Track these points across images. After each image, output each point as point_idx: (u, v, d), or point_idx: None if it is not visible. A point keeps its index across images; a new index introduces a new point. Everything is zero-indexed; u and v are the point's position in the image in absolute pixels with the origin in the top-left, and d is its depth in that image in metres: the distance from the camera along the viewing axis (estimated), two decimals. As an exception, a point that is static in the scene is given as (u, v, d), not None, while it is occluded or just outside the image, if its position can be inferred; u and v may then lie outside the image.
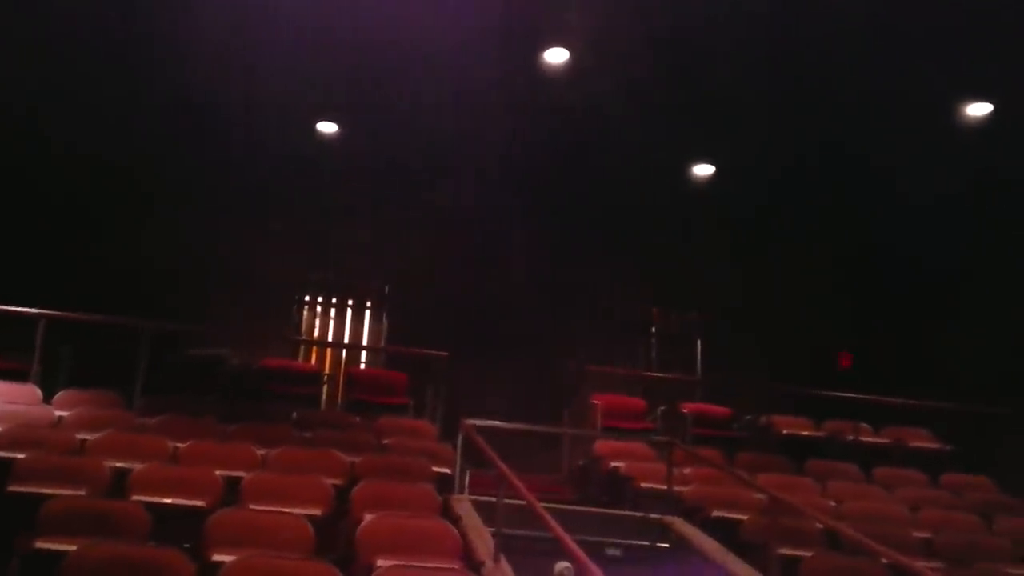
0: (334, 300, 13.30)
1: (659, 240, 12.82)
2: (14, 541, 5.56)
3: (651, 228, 12.71)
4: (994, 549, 8.12)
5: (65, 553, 5.18)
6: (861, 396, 11.16)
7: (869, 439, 10.86)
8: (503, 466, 6.60)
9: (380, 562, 5.55)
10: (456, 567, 5.84)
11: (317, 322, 13.24)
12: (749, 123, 10.32)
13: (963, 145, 10.21)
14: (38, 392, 8.75)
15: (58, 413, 8.28)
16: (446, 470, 8.13)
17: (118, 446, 7.41)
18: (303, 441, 8.42)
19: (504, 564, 6.25)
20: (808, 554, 7.03)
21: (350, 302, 13.30)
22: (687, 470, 9.19)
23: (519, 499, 6.22)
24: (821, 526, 7.56)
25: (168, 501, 6.39)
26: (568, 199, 12.35)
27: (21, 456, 6.78)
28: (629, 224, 12.67)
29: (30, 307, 9.47)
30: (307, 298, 13.20)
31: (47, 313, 9.45)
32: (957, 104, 9.77)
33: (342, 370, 12.38)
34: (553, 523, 5.43)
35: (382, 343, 12.97)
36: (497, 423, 8.67)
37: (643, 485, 8.72)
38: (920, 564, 6.44)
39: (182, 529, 5.96)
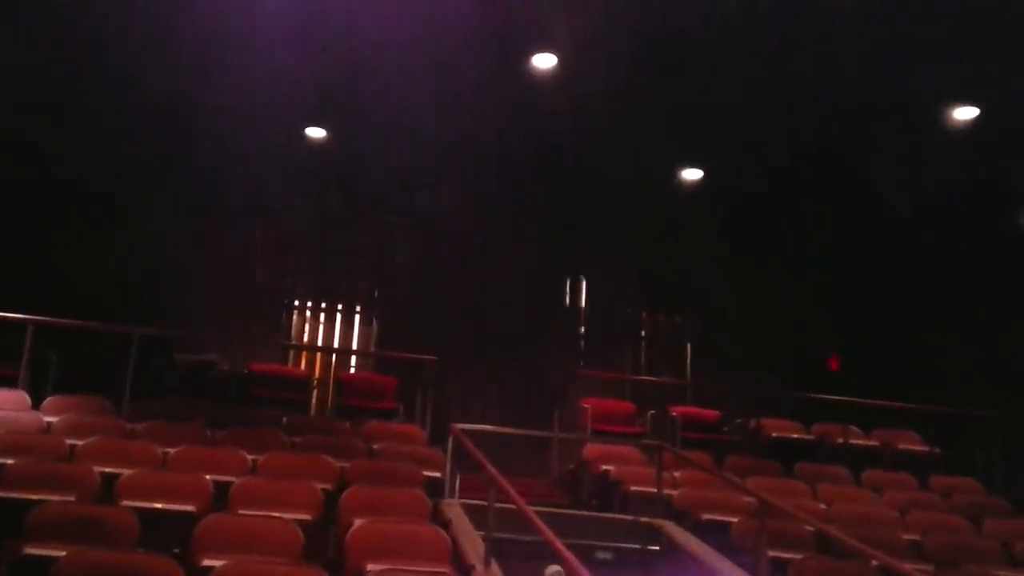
0: (323, 305, 13.28)
1: (649, 244, 12.86)
2: (2, 547, 5.54)
3: (641, 232, 12.75)
4: (982, 551, 8.15)
5: (54, 559, 5.16)
6: (850, 399, 11.20)
7: (858, 442, 10.90)
8: (493, 470, 6.59)
9: (370, 567, 5.55)
10: (446, 571, 5.84)
11: (307, 327, 13.23)
12: (739, 127, 10.33)
13: (952, 149, 10.24)
14: (27, 398, 8.71)
15: (47, 419, 8.25)
16: (436, 474, 8.11)
17: (107, 452, 7.38)
18: (292, 446, 8.40)
19: (495, 568, 6.25)
20: (798, 557, 7.05)
21: (339, 307, 13.29)
22: (677, 473, 9.20)
23: (509, 503, 6.22)
24: (811, 529, 7.59)
25: (157, 506, 6.36)
26: (557, 203, 12.37)
27: (10, 462, 6.76)
28: (619, 228, 12.70)
29: (18, 313, 9.44)
30: (296, 303, 13.19)
31: (35, 319, 9.42)
32: (946, 108, 9.80)
33: (332, 375, 12.38)
34: (543, 527, 5.42)
35: (371, 348, 12.95)
36: (486, 427, 8.68)
37: (633, 488, 8.72)
38: (909, 566, 6.46)
39: (171, 535, 5.95)
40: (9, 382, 9.04)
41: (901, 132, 10.07)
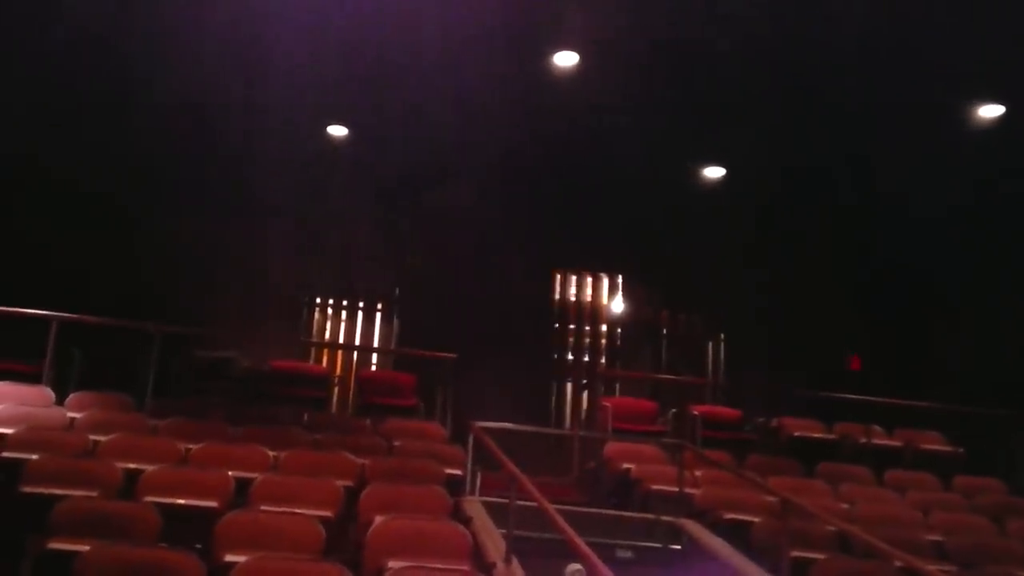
0: (344, 303, 13.30)
1: (669, 242, 12.82)
2: (27, 542, 5.58)
3: (661, 231, 12.71)
4: (1005, 552, 8.08)
5: (77, 554, 5.20)
6: (872, 398, 11.13)
7: (880, 442, 10.82)
8: (514, 468, 6.59)
9: (391, 564, 5.55)
10: (467, 569, 5.83)
11: (327, 324, 13.26)
12: (759, 126, 10.29)
13: (975, 148, 10.17)
14: (50, 394, 8.77)
15: (70, 415, 8.30)
16: (456, 472, 8.12)
17: (129, 448, 7.43)
18: (313, 443, 8.43)
19: (515, 566, 6.24)
20: (820, 557, 7.01)
21: (360, 304, 13.31)
22: (698, 472, 9.17)
23: (530, 501, 6.22)
24: (833, 529, 7.55)
25: (179, 502, 6.40)
26: (578, 202, 12.34)
27: (34, 457, 6.81)
28: (639, 227, 12.66)
29: (42, 310, 9.50)
30: (317, 300, 13.22)
31: (59, 315, 9.48)
32: (968, 106, 9.73)
33: (352, 372, 12.40)
34: (564, 525, 5.42)
35: (392, 345, 12.97)
36: (507, 425, 8.67)
37: (653, 487, 8.69)
38: (932, 567, 6.43)
39: (193, 530, 5.97)
40: (33, 378, 9.10)
41: (925, 131, 10.00)
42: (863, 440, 10.73)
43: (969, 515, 8.99)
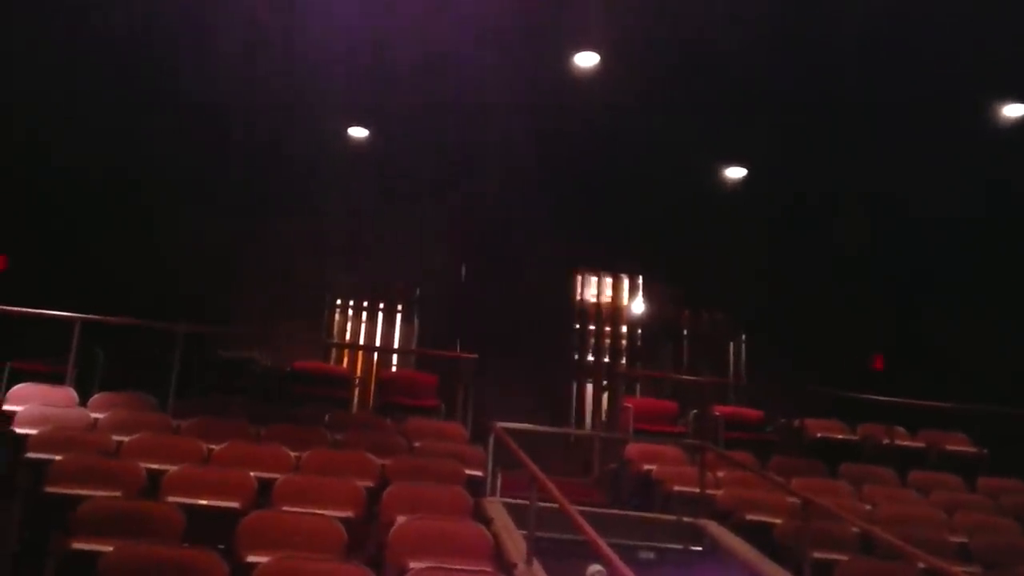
0: (365, 303, 13.33)
1: (690, 242, 12.78)
2: (50, 542, 5.61)
3: (682, 230, 12.67)
4: (1031, 553, 8.03)
5: (101, 554, 5.22)
6: (896, 399, 11.07)
7: (904, 443, 10.76)
8: (535, 468, 6.58)
9: (412, 564, 5.55)
10: (488, 569, 5.83)
11: (349, 325, 13.29)
12: (781, 125, 10.25)
13: (999, 146, 10.10)
14: (74, 394, 8.83)
15: (93, 415, 8.35)
16: (477, 472, 8.12)
17: (152, 448, 7.46)
18: (335, 444, 8.45)
19: (536, 567, 6.23)
20: (843, 558, 6.98)
21: (381, 305, 13.33)
22: (719, 473, 9.14)
23: (551, 502, 6.20)
24: (856, 530, 7.51)
25: (202, 502, 6.42)
26: (599, 202, 12.33)
27: (57, 458, 6.84)
28: (659, 226, 12.63)
29: (66, 310, 9.56)
30: (339, 301, 13.25)
31: (82, 316, 9.54)
32: (993, 105, 9.66)
33: (373, 373, 12.43)
34: (586, 526, 5.40)
35: (413, 346, 12.99)
36: (527, 425, 8.66)
37: (675, 488, 8.67)
38: (956, 568, 6.37)
39: (216, 530, 5.99)
40: (57, 379, 9.16)
41: (949, 128, 9.93)
42: (886, 441, 10.67)
43: (993, 516, 8.94)
